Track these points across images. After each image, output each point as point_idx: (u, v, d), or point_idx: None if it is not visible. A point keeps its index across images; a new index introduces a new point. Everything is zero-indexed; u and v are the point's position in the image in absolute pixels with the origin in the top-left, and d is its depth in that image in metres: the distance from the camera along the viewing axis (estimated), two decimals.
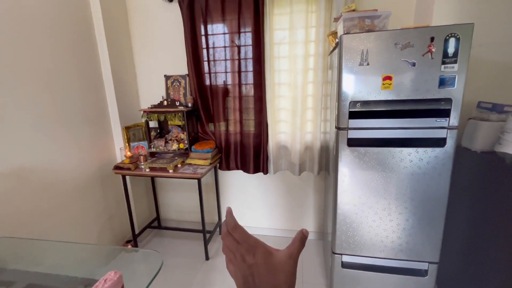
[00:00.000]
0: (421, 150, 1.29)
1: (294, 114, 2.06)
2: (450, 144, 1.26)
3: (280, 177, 2.34)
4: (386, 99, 1.27)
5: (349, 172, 1.40)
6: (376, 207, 1.40)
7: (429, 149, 1.28)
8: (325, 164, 2.11)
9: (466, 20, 1.51)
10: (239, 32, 2.03)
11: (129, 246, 2.24)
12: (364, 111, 1.30)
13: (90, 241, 1.98)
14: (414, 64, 1.20)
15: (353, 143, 1.35)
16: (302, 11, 1.90)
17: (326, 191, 2.07)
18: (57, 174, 1.70)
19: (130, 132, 2.27)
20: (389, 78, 1.24)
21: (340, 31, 1.41)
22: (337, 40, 1.36)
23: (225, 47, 2.09)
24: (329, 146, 1.87)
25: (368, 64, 1.24)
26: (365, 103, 1.29)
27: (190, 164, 2.12)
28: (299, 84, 2.00)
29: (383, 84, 1.25)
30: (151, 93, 2.39)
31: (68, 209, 1.79)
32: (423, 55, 1.19)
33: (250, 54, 2.06)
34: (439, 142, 1.27)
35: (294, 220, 2.41)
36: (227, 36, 2.07)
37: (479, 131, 1.41)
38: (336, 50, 1.39)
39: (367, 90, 1.27)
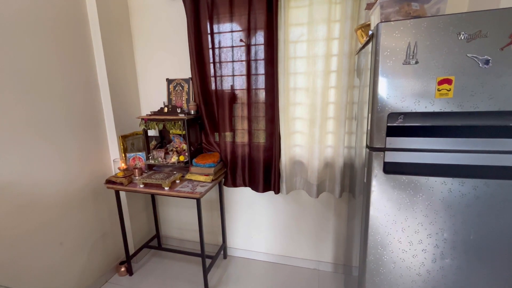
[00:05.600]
0: (492, 182, 0.91)
1: (312, 125, 1.73)
2: None
3: (294, 198, 2.00)
4: (442, 110, 0.91)
5: (385, 208, 1.04)
6: (423, 256, 1.04)
7: (505, 182, 0.90)
8: (349, 184, 1.75)
9: None
10: (249, 29, 1.74)
11: (123, 269, 2.01)
12: (409, 126, 0.95)
13: (79, 263, 1.76)
14: (487, 62, 0.84)
15: (391, 169, 1.00)
16: (324, 3, 1.58)
17: (350, 217, 1.71)
18: (39, 189, 1.50)
19: (128, 142, 2.06)
20: (448, 81, 0.88)
21: (375, 20, 1.07)
22: (370, 32, 1.03)
23: (232, 46, 1.82)
24: (355, 164, 1.52)
25: (416, 63, 0.90)
26: (411, 115, 0.95)
27: (190, 180, 1.85)
28: (319, 90, 1.68)
29: (439, 90, 0.90)
30: (153, 98, 2.17)
31: (53, 228, 1.58)
32: (502, 48, 0.83)
33: (261, 55, 1.77)
34: None
35: (309, 248, 2.05)
36: (235, 34, 1.80)
37: None
38: (369, 46, 1.06)
39: (415, 99, 0.93)
